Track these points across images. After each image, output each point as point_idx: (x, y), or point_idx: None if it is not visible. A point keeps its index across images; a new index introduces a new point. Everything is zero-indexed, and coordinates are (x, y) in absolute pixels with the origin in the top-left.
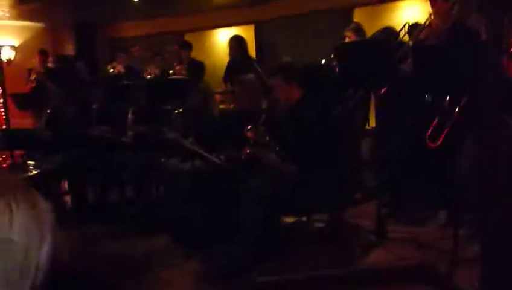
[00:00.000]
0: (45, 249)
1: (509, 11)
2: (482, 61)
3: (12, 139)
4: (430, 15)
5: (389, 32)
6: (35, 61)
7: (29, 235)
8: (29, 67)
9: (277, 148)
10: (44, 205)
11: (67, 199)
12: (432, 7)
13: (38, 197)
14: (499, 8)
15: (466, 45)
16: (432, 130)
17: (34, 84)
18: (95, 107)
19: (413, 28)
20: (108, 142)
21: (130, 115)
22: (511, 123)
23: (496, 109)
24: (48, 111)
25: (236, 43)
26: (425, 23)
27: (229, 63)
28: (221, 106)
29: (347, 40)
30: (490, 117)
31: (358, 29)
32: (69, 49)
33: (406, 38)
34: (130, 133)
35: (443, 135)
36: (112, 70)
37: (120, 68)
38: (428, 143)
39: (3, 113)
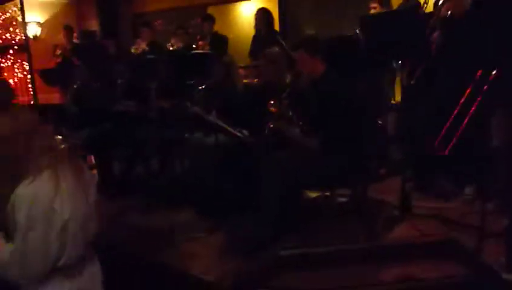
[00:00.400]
0: (90, 222)
1: None
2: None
3: (40, 114)
4: None
5: (415, 3)
6: (60, 37)
7: (72, 207)
8: (54, 44)
9: (300, 123)
10: (90, 177)
11: (94, 173)
12: None
13: (85, 169)
14: None
15: (492, 16)
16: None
17: (59, 60)
18: (120, 82)
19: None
20: (133, 116)
21: (154, 90)
22: None
23: None
24: (74, 86)
25: (263, 16)
26: None
27: (255, 36)
28: (245, 80)
29: (372, 11)
30: None
31: (384, 1)
32: (93, 24)
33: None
34: (154, 107)
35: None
36: (135, 50)
37: (144, 46)
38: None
39: (30, 89)
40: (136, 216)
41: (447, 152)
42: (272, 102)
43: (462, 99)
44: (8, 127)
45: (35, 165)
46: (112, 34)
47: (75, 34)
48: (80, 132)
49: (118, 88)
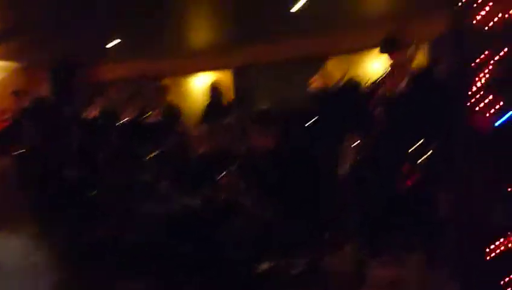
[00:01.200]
0: None
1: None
2: (449, 108)
3: None
4: (391, 66)
5: (358, 81)
6: (9, 101)
7: None
8: (2, 108)
9: (253, 193)
10: None
11: None
12: (391, 59)
13: None
14: (463, 55)
15: (428, 92)
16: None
17: (7, 123)
18: (71, 148)
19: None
20: (82, 183)
21: (104, 157)
22: (478, 169)
23: (466, 154)
24: (24, 150)
25: (217, 87)
26: (387, 74)
27: (208, 106)
28: (198, 150)
29: (314, 85)
30: (461, 163)
31: (325, 75)
32: (45, 90)
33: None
34: (104, 175)
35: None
36: (87, 115)
37: (96, 113)
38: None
39: None
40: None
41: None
42: (224, 173)
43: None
44: None
45: None
46: (64, 100)
47: (26, 98)
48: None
49: (68, 153)
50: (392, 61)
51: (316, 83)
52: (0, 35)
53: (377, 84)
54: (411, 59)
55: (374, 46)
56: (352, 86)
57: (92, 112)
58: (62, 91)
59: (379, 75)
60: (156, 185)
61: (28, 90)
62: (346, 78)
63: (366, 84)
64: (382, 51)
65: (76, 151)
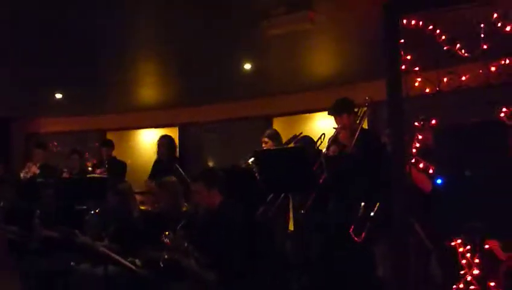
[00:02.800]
0: None
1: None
2: (389, 170)
3: None
4: (337, 129)
5: (306, 141)
6: None
7: None
8: None
9: (196, 254)
10: None
11: None
12: (338, 122)
13: None
14: (401, 120)
15: (372, 154)
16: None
17: None
18: (3, 205)
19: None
20: (15, 244)
21: (40, 215)
22: (418, 229)
23: (404, 214)
24: None
25: (166, 142)
26: (333, 136)
27: (156, 161)
28: (142, 207)
29: (264, 145)
30: (400, 221)
31: (274, 135)
32: None
33: (322, 147)
34: (39, 234)
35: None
36: (26, 174)
37: (35, 169)
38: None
39: None
40: None
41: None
42: (167, 233)
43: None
44: None
45: None
46: (1, 152)
47: None
48: None
49: (0, 212)
50: (340, 124)
51: (267, 143)
52: None
53: (330, 142)
54: (359, 122)
55: (319, 108)
56: (305, 145)
57: (31, 168)
58: (1, 143)
59: (326, 136)
60: (96, 244)
61: None
62: (298, 137)
63: (316, 144)
64: (331, 113)
65: (9, 209)
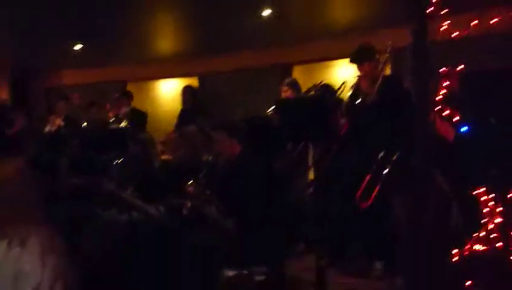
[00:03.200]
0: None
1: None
2: (412, 118)
3: None
4: (359, 77)
5: (327, 90)
6: None
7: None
8: None
9: (218, 202)
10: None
11: None
12: (359, 70)
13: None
14: (425, 68)
15: (395, 102)
16: (362, 190)
17: None
18: (31, 157)
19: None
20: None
21: (66, 164)
22: (438, 177)
23: (426, 163)
24: None
25: (190, 92)
26: (355, 84)
27: (181, 111)
28: (163, 157)
29: (283, 94)
30: (421, 171)
31: (294, 84)
32: (4, 95)
33: (343, 95)
34: (66, 182)
35: (374, 194)
36: (50, 128)
37: (59, 122)
38: (361, 204)
39: None
40: None
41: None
42: (190, 182)
43: (367, 178)
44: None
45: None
46: (23, 106)
47: None
48: None
49: (28, 162)
50: (362, 71)
51: (287, 92)
52: None
53: (352, 90)
54: (381, 69)
55: (339, 56)
56: (326, 93)
57: (55, 122)
58: (21, 96)
59: (347, 85)
60: (119, 193)
61: None
62: (318, 86)
63: (337, 93)
64: (353, 61)
65: (37, 159)
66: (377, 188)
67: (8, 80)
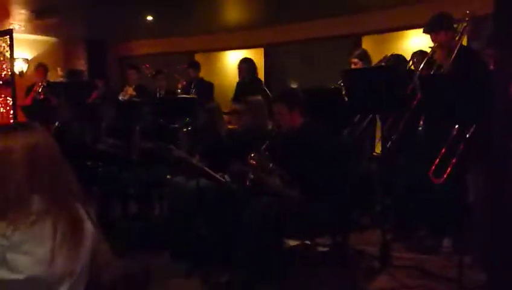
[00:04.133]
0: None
1: None
2: (490, 90)
3: None
4: (433, 47)
5: (398, 60)
6: (34, 75)
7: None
8: (32, 82)
9: (281, 173)
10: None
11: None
12: (434, 40)
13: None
14: (509, 41)
15: (472, 74)
16: (436, 165)
17: (41, 97)
18: (105, 123)
19: (421, 57)
20: (115, 156)
21: (138, 131)
22: None
23: (506, 137)
24: (56, 124)
25: (247, 65)
26: (428, 55)
27: (238, 84)
28: (229, 126)
29: (353, 66)
30: (500, 146)
31: (364, 56)
32: (81, 64)
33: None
34: (137, 148)
35: (448, 171)
36: (124, 96)
37: (131, 92)
38: (433, 179)
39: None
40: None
41: (442, 180)
42: (252, 155)
43: (443, 150)
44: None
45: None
46: (99, 74)
47: (60, 72)
48: None
49: (102, 129)
50: (437, 41)
51: (357, 64)
52: (39, 12)
53: (426, 61)
54: (458, 40)
55: (411, 25)
56: (396, 64)
57: (128, 91)
58: (97, 66)
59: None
60: (187, 159)
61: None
62: (389, 57)
63: (409, 64)
64: (427, 31)
65: (110, 126)
66: (452, 164)
67: (85, 50)
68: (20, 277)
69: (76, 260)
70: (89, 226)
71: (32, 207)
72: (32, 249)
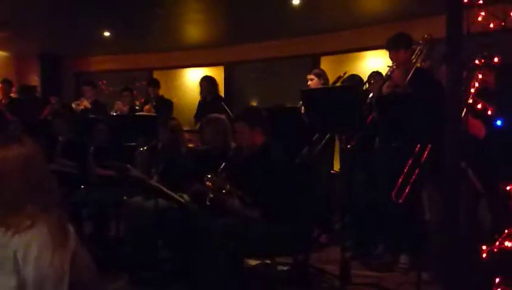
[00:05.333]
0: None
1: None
2: (443, 111)
3: None
4: (392, 66)
5: (353, 80)
6: None
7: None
8: None
9: (240, 193)
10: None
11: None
12: (393, 59)
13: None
14: (459, 60)
15: (428, 94)
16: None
17: None
18: (60, 140)
19: (378, 77)
20: (71, 176)
21: (94, 150)
22: (470, 173)
23: (458, 158)
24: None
25: (208, 83)
26: (387, 74)
27: (200, 102)
28: (190, 145)
29: (309, 82)
30: (452, 167)
31: (321, 73)
32: (34, 80)
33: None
34: (93, 168)
35: (407, 190)
36: (77, 106)
37: (86, 104)
38: (395, 201)
39: None
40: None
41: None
42: (208, 176)
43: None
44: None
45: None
46: (53, 90)
47: (13, 89)
48: None
49: (57, 146)
50: (395, 60)
51: (313, 82)
52: None
53: (384, 80)
54: (415, 60)
55: (368, 47)
56: (353, 83)
57: (83, 102)
58: (50, 81)
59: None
60: (145, 180)
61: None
62: (346, 76)
63: (365, 84)
64: (387, 47)
65: (65, 144)
66: (409, 185)
67: (39, 65)
68: (27, 277)
69: (67, 261)
70: (71, 230)
71: (28, 213)
72: (34, 251)
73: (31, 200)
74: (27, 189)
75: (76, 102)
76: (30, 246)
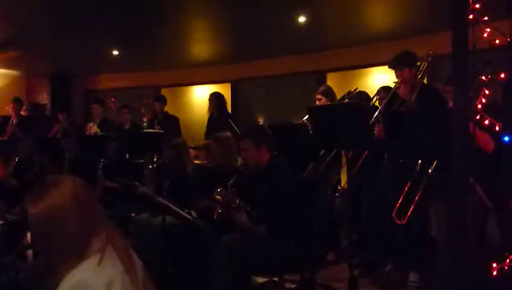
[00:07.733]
0: None
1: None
2: (449, 127)
3: None
4: (397, 83)
5: (362, 97)
6: (7, 109)
7: None
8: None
9: (247, 208)
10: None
11: (29, 253)
12: (398, 76)
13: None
14: (465, 76)
15: (433, 111)
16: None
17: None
18: (67, 157)
19: (386, 93)
20: None
21: (102, 167)
22: (478, 188)
23: (465, 174)
24: (16, 159)
25: (216, 99)
26: (393, 90)
27: (209, 119)
28: (196, 161)
29: (317, 102)
30: (459, 182)
31: (328, 92)
32: (44, 98)
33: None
34: (101, 185)
35: (411, 209)
36: (88, 132)
37: (95, 130)
38: (396, 221)
39: None
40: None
41: (404, 221)
42: (218, 190)
43: (406, 188)
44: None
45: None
46: (62, 108)
47: (23, 107)
48: (17, 207)
49: (65, 163)
50: (400, 78)
51: (321, 100)
52: (2, 44)
53: (389, 96)
54: (420, 77)
55: (375, 63)
56: (360, 100)
57: (92, 129)
58: (60, 99)
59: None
60: (153, 196)
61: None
62: (353, 93)
63: (372, 100)
64: (392, 66)
65: (73, 161)
66: (414, 203)
67: (48, 84)
68: None
69: (139, 280)
70: (135, 256)
71: (95, 247)
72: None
73: (94, 233)
74: (84, 226)
75: (86, 127)
76: (112, 283)
